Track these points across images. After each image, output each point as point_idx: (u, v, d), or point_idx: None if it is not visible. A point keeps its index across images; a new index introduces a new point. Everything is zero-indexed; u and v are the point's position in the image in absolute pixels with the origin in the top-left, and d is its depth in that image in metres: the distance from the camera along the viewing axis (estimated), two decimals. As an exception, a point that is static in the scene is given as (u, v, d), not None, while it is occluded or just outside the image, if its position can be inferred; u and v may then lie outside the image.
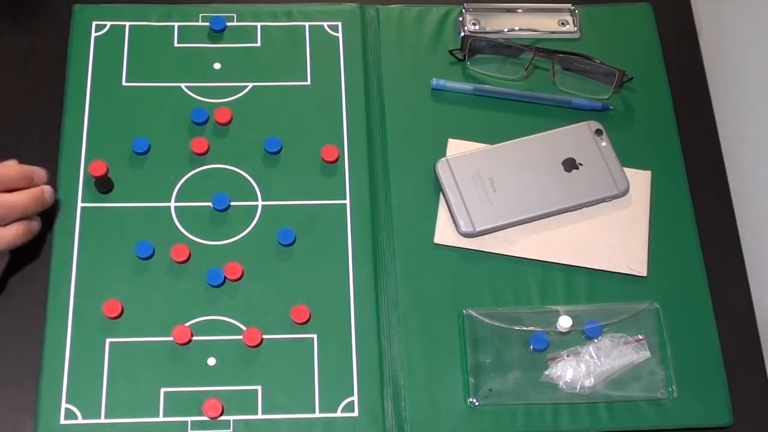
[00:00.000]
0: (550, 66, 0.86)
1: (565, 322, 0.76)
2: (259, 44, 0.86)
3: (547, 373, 0.75)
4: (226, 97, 0.84)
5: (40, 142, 0.82)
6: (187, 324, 0.75)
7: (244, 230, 0.79)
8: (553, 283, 0.78)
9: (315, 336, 0.75)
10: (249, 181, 0.81)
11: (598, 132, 0.83)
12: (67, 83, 0.83)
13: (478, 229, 0.79)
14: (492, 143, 0.83)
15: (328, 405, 0.73)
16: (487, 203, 0.80)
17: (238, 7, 0.88)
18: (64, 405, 0.72)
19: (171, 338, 0.74)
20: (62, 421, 0.71)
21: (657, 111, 0.86)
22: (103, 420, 0.72)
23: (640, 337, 0.76)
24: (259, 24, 0.87)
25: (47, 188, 0.74)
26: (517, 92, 0.85)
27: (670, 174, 0.83)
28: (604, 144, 0.82)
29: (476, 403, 0.74)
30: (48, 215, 0.78)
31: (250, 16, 0.87)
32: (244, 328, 0.75)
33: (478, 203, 0.79)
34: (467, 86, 0.85)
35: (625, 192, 0.81)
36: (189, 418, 0.72)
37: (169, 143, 0.81)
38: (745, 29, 0.88)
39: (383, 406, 0.74)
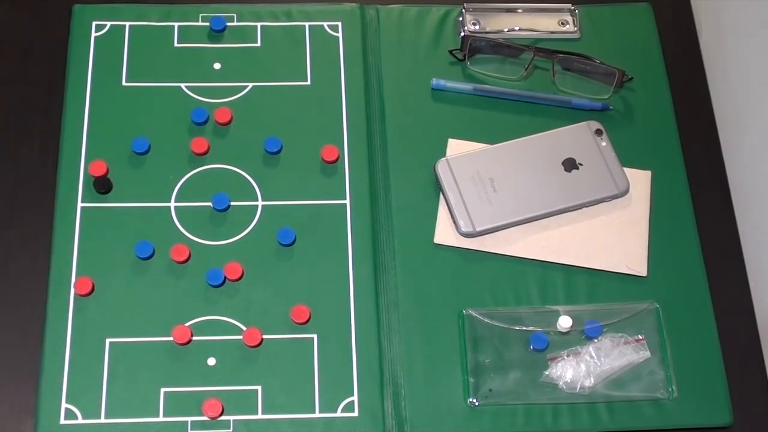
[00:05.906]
0: (550, 66, 0.86)
1: (565, 322, 0.76)
2: (259, 44, 0.86)
3: (547, 373, 0.75)
4: (226, 97, 0.84)
5: (40, 142, 0.82)
6: (187, 324, 0.75)
7: (244, 230, 0.79)
8: (553, 283, 0.78)
9: (315, 336, 0.75)
10: (249, 181, 0.81)
11: (598, 132, 0.83)
12: (67, 83, 0.83)
13: (478, 229, 0.79)
14: (492, 143, 0.83)
15: (328, 405, 0.73)
16: (487, 203, 0.80)
17: (238, 7, 0.88)
18: (64, 405, 0.72)
19: (171, 338, 0.74)
20: (62, 421, 0.71)
21: (657, 111, 0.86)
22: (103, 420, 0.72)
23: (640, 337, 0.76)
24: (259, 24, 0.87)
25: None
26: (517, 92, 0.85)
27: (670, 174, 0.83)
28: (604, 144, 0.82)
29: (476, 403, 0.74)
30: (48, 215, 0.78)
31: (250, 16, 0.87)
32: (244, 328, 0.75)
33: (478, 203, 0.79)
34: (467, 86, 0.85)
35: (625, 192, 0.81)
36: (189, 418, 0.72)
37: (169, 143, 0.81)
38: (745, 29, 0.88)
39: (383, 406, 0.74)
